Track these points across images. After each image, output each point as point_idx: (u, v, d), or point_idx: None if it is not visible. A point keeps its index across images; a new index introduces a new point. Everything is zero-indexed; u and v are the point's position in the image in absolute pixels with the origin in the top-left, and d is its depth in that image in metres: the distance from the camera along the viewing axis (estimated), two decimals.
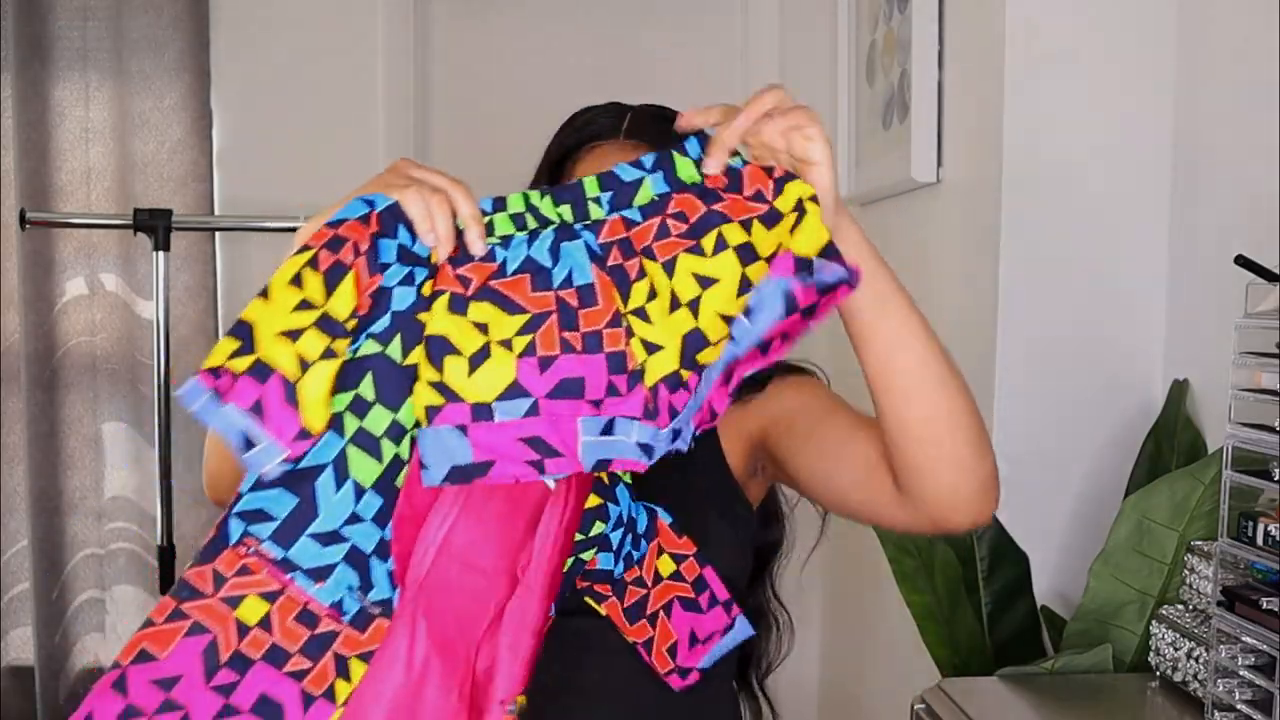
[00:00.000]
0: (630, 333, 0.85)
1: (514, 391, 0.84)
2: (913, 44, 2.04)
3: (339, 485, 0.84)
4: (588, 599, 1.07)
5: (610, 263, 0.88)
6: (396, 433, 0.85)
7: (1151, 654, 1.37)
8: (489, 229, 0.90)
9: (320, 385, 0.81)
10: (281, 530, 0.83)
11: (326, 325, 0.82)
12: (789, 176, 0.92)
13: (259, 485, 0.84)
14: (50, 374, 2.62)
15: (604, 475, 1.01)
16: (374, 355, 0.84)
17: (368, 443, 0.84)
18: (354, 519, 0.84)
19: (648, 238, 0.89)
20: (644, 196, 0.91)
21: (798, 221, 0.89)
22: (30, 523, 2.62)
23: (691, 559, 1.08)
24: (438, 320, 0.85)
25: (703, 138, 0.93)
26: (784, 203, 0.90)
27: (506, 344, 0.85)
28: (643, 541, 1.06)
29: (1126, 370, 1.77)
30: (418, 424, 0.84)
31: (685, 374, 0.85)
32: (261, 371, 0.80)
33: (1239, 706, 1.16)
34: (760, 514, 1.25)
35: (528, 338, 0.85)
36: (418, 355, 0.85)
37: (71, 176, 2.62)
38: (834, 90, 2.53)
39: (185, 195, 2.62)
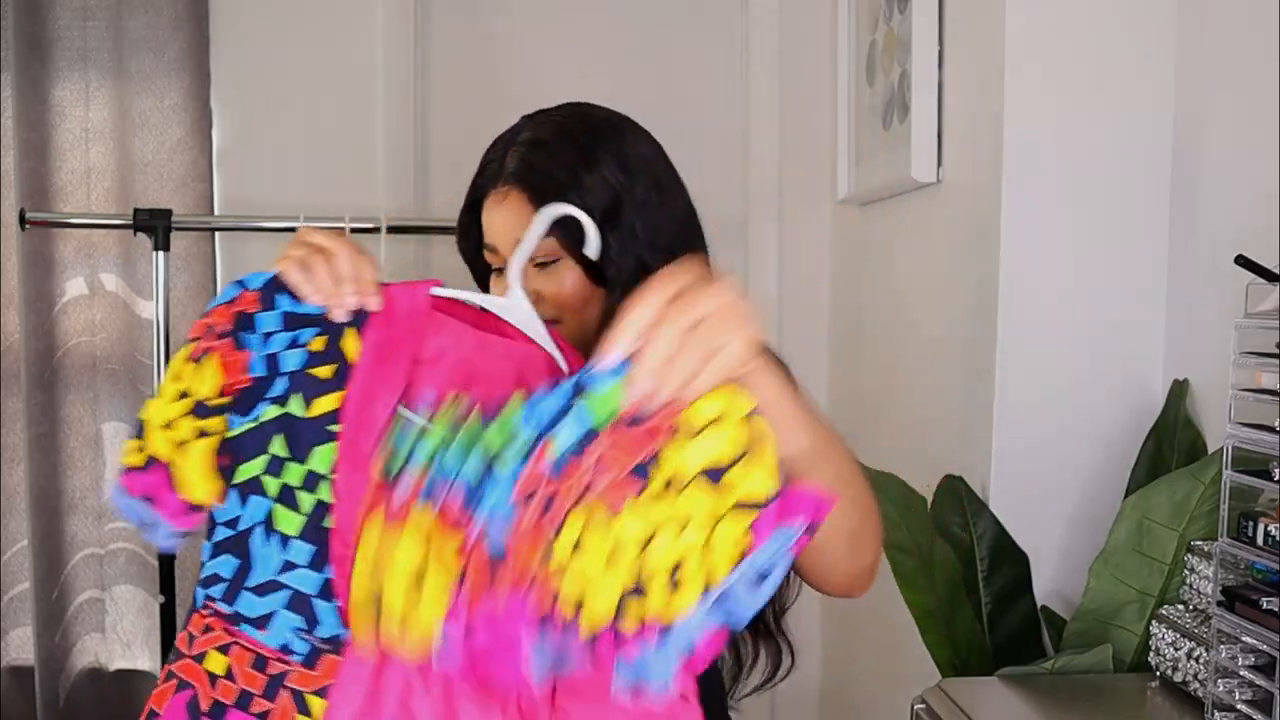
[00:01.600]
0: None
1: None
2: (913, 44, 2.04)
3: (268, 539, 0.94)
4: None
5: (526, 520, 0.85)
6: (312, 482, 0.93)
7: (1151, 654, 1.37)
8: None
9: (195, 464, 0.94)
10: (229, 589, 0.95)
11: (198, 410, 0.94)
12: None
13: (213, 554, 0.95)
14: (50, 374, 2.62)
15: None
16: (277, 417, 0.93)
17: (287, 496, 0.93)
18: (288, 567, 0.93)
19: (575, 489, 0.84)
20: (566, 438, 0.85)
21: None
22: (30, 523, 2.62)
23: None
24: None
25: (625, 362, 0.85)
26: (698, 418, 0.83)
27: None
28: None
29: (1126, 370, 1.77)
30: (334, 469, 0.91)
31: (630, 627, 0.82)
32: (147, 464, 0.95)
33: (1239, 706, 1.16)
34: None
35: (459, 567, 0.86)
36: (325, 404, 0.93)
37: (71, 176, 2.62)
38: (834, 90, 2.53)
39: (185, 195, 2.62)
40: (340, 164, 2.71)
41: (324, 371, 0.95)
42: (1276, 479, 1.13)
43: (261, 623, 0.94)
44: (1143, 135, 1.75)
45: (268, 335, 0.95)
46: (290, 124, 2.71)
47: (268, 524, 0.94)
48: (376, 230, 2.33)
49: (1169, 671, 1.33)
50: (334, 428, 0.93)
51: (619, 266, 1.14)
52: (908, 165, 2.05)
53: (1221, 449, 1.23)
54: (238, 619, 0.94)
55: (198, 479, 0.94)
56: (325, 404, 0.94)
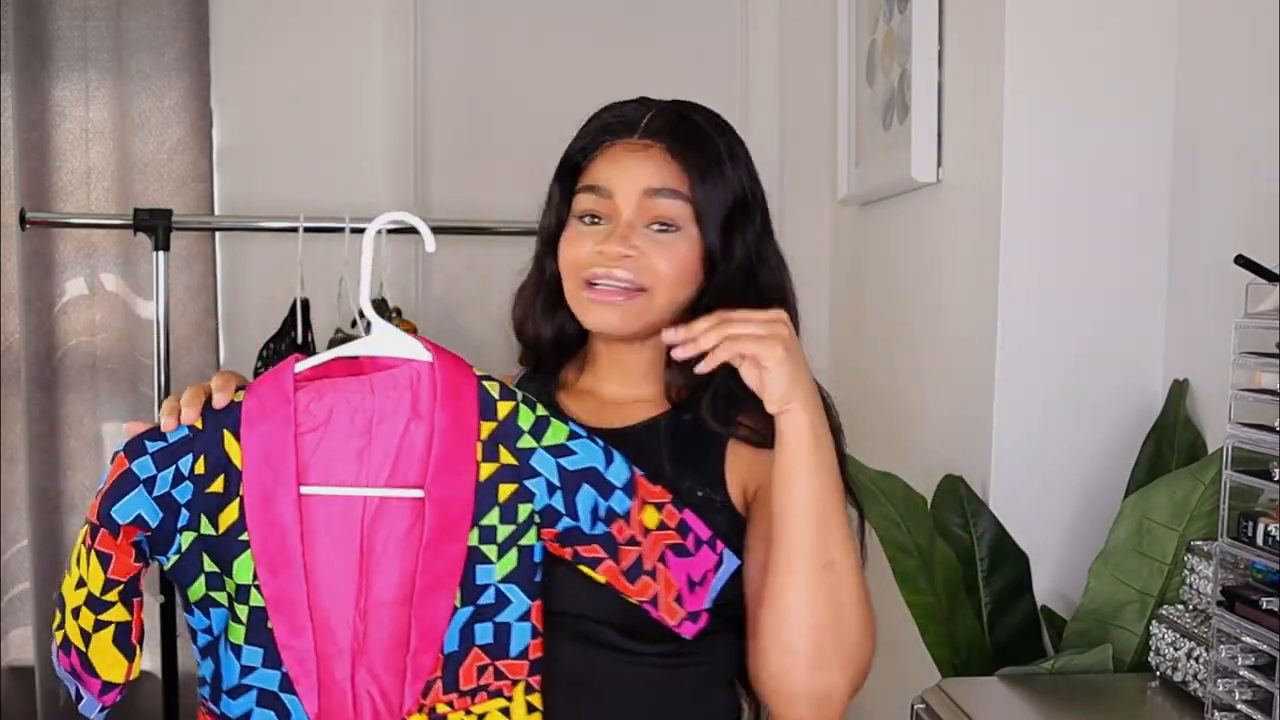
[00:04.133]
0: None
1: None
2: (913, 44, 2.04)
3: (227, 648, 1.02)
4: (582, 568, 1.06)
5: None
6: (242, 593, 1.01)
7: (1151, 654, 1.37)
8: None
9: (100, 651, 1.02)
10: (211, 690, 1.04)
11: (90, 603, 1.01)
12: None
13: (200, 657, 1.05)
14: (50, 374, 2.62)
15: (511, 456, 1.05)
16: (193, 541, 1.02)
17: (230, 608, 1.02)
18: (247, 670, 1.02)
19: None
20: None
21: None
22: (30, 523, 2.61)
23: (669, 505, 1.08)
24: None
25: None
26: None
27: None
28: (623, 496, 1.06)
29: (1126, 370, 1.77)
30: (255, 575, 1.00)
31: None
32: (67, 645, 1.03)
33: (1239, 706, 1.16)
34: None
35: None
36: (227, 517, 1.01)
37: (71, 176, 2.62)
38: (834, 90, 2.53)
39: (185, 195, 2.62)
40: (340, 164, 2.70)
41: (217, 486, 1.02)
42: (1276, 479, 1.13)
43: (244, 719, 1.02)
44: (1143, 135, 1.75)
45: (150, 481, 1.01)
46: (290, 124, 2.70)
47: (224, 636, 1.02)
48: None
49: (1169, 671, 1.33)
50: (244, 536, 1.01)
51: (735, 260, 1.16)
52: (908, 165, 2.05)
53: (1221, 449, 1.23)
54: (225, 718, 1.03)
55: (106, 664, 1.02)
56: (228, 517, 1.01)
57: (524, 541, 1.05)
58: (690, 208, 1.14)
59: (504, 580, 1.04)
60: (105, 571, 1.01)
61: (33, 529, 2.61)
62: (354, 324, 2.25)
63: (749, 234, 1.18)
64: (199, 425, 1.02)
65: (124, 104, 2.62)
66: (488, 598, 1.03)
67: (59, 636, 1.04)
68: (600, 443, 1.08)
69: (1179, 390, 1.68)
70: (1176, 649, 1.32)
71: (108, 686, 1.03)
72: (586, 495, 1.05)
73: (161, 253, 2.29)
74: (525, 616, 1.05)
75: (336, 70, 2.71)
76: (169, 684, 2.33)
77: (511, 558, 1.04)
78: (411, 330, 1.40)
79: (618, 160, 1.15)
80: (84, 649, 1.02)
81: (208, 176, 2.64)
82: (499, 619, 1.04)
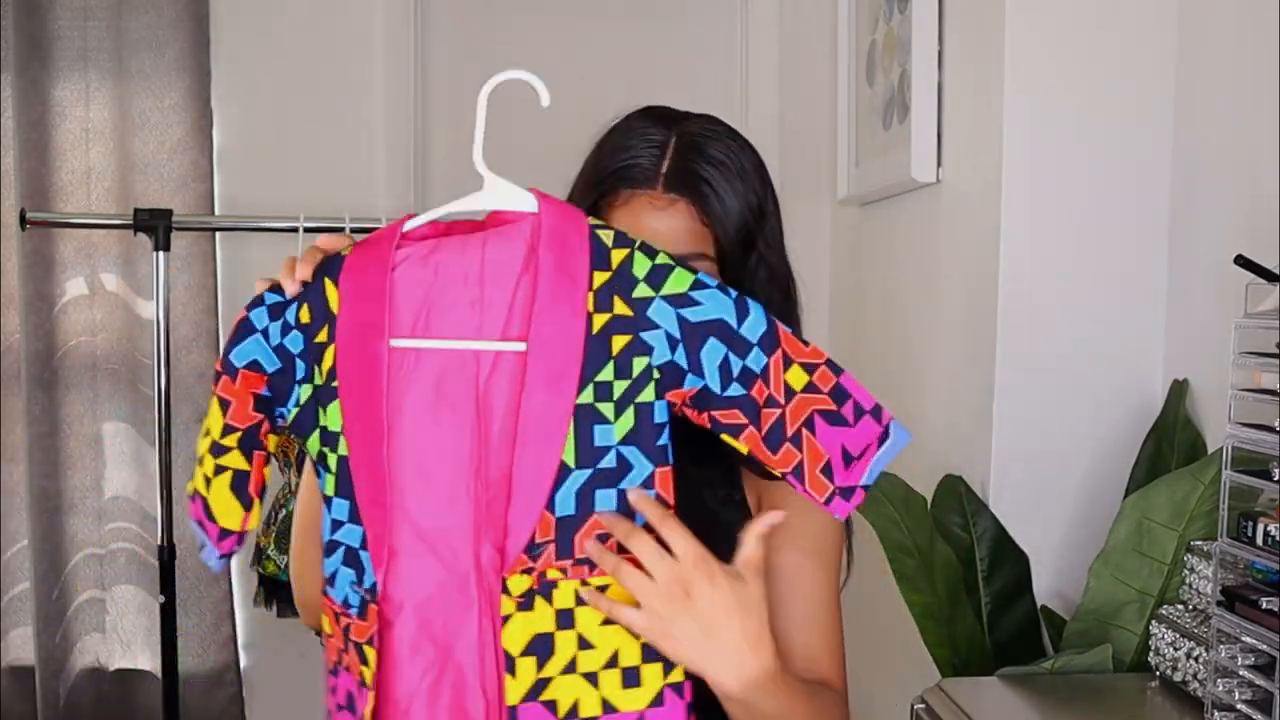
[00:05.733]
0: None
1: None
2: (913, 44, 2.04)
3: (325, 504, 1.01)
4: (725, 436, 0.98)
5: None
6: (331, 439, 0.99)
7: (1151, 654, 1.37)
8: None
9: (219, 497, 1.04)
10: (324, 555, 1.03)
11: (214, 449, 1.03)
12: None
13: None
14: (50, 374, 2.62)
15: (625, 306, 0.96)
16: (312, 393, 1.01)
17: (325, 461, 1.00)
18: (336, 525, 0.99)
19: None
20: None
21: None
22: (30, 523, 2.62)
23: (824, 366, 0.98)
24: None
25: None
26: None
27: None
28: (759, 353, 0.96)
29: (1126, 370, 1.77)
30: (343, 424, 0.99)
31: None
32: (194, 494, 1.06)
33: (1239, 706, 1.16)
34: None
35: None
36: (327, 362, 1.00)
37: (71, 176, 2.62)
38: (834, 90, 2.53)
39: (185, 195, 2.62)
40: (340, 164, 2.71)
41: (322, 335, 1.00)
42: (1276, 479, 1.13)
43: (332, 580, 1.01)
44: (1143, 135, 1.75)
45: (265, 331, 1.01)
46: (290, 124, 2.71)
47: (324, 492, 1.01)
48: (376, 230, 2.33)
49: (1169, 671, 1.33)
50: (335, 384, 0.99)
51: (751, 286, 1.13)
52: (908, 165, 2.05)
53: (1221, 449, 1.23)
54: (326, 581, 1.02)
55: (222, 510, 1.04)
56: (327, 362, 1.00)
57: (641, 399, 0.95)
58: (714, 264, 1.12)
59: (623, 442, 0.95)
60: (224, 416, 1.02)
61: (33, 529, 2.61)
62: None
63: (764, 259, 1.16)
64: (309, 279, 1.02)
65: (124, 104, 2.62)
66: (608, 461, 0.95)
67: (189, 488, 1.07)
68: (732, 293, 0.97)
69: (1179, 390, 1.68)
70: (1176, 649, 1.32)
71: (225, 534, 1.05)
72: (714, 350, 0.95)
73: (161, 253, 2.29)
74: (648, 483, 0.96)
75: (336, 70, 2.71)
76: (169, 684, 2.33)
77: (629, 416, 0.95)
78: None
79: (640, 216, 1.11)
80: (205, 494, 1.04)
81: (208, 176, 2.64)
82: (622, 485, 0.95)
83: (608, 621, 0.96)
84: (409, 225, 1.02)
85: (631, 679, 0.96)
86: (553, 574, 0.95)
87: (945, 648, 1.61)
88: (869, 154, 2.35)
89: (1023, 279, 1.77)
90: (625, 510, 0.96)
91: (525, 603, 0.95)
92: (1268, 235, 1.45)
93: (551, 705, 0.95)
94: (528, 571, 0.95)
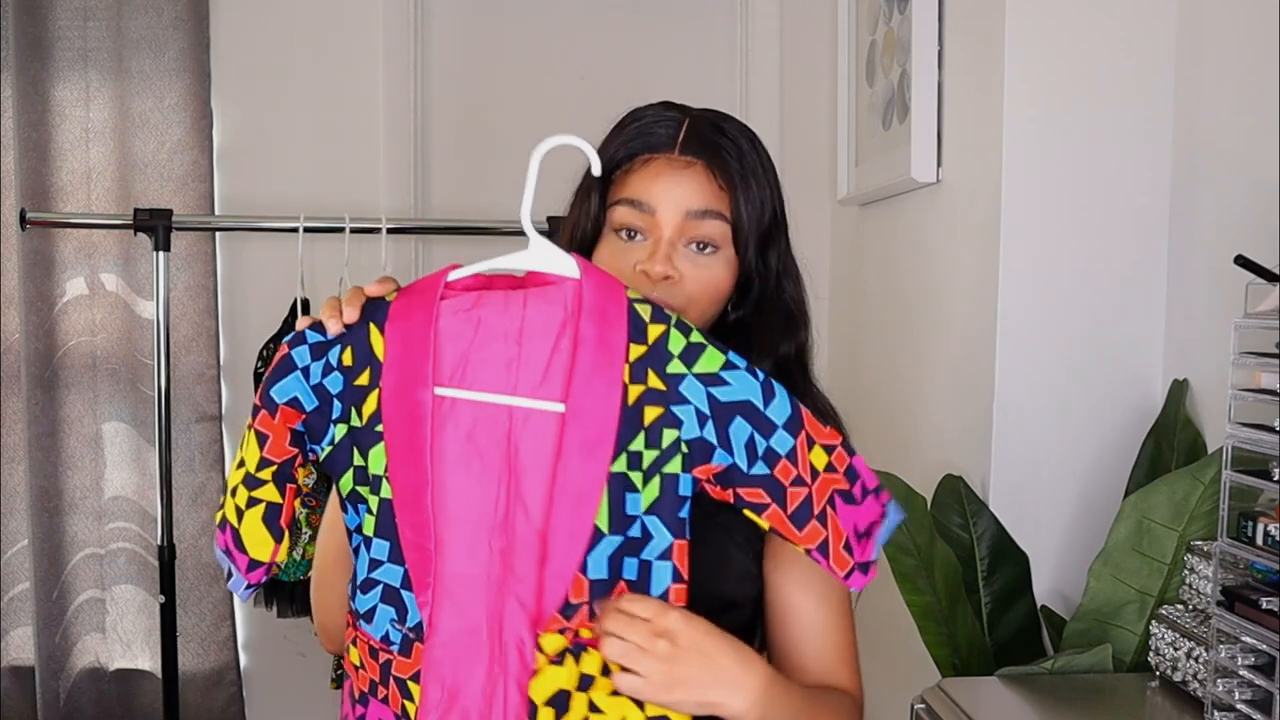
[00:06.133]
0: None
1: None
2: (913, 44, 2.04)
3: (358, 542, 1.03)
4: (746, 512, 1.02)
5: None
6: (375, 483, 1.01)
7: (1151, 654, 1.37)
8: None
9: (251, 528, 1.05)
10: (352, 588, 1.05)
11: (247, 481, 1.05)
12: None
13: (355, 556, 1.05)
14: (50, 374, 2.62)
15: (659, 380, 1.00)
16: (347, 433, 1.03)
17: (366, 500, 1.02)
18: (375, 564, 1.02)
19: None
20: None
21: None
22: (30, 523, 2.62)
23: (840, 448, 1.02)
24: None
25: None
26: None
27: None
28: (785, 435, 1.00)
29: (1126, 370, 1.77)
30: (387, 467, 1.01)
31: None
32: (224, 523, 1.06)
33: (1239, 706, 1.16)
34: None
35: None
36: (369, 406, 1.02)
37: (71, 176, 2.62)
38: (834, 90, 2.53)
39: (185, 195, 2.62)
40: (340, 164, 2.71)
41: (363, 379, 1.03)
42: (1276, 479, 1.13)
43: (369, 616, 1.03)
44: (1143, 135, 1.75)
45: (306, 370, 1.04)
46: (290, 124, 2.71)
47: (360, 531, 1.03)
48: (376, 230, 2.33)
49: (1169, 671, 1.33)
50: (379, 427, 1.01)
51: (763, 281, 1.17)
52: (908, 165, 2.06)
53: (1221, 449, 1.23)
54: (357, 615, 1.04)
55: (254, 541, 1.05)
56: (369, 406, 1.02)
57: (668, 469, 1.00)
58: (729, 228, 1.15)
59: (648, 511, 0.99)
60: (261, 450, 1.04)
61: (33, 529, 2.61)
62: None
63: (779, 249, 1.20)
64: (354, 322, 1.04)
65: (124, 104, 2.62)
66: (635, 530, 0.99)
67: (218, 517, 1.08)
68: (760, 375, 1.01)
69: (1179, 390, 1.68)
70: (1176, 649, 1.32)
71: (254, 564, 1.06)
72: (740, 429, 0.99)
73: (161, 253, 2.29)
74: (666, 555, 1.00)
75: (336, 70, 2.71)
76: (169, 684, 2.33)
77: (655, 485, 0.99)
78: None
79: (659, 176, 1.14)
80: (237, 525, 1.06)
81: (208, 176, 2.64)
82: (643, 555, 1.00)
83: (616, 692, 1.00)
84: (453, 275, 1.04)
85: None
86: (585, 634, 0.99)
87: (945, 648, 1.61)
88: (869, 154, 2.35)
89: (1022, 279, 1.77)
90: (645, 579, 1.00)
91: (558, 659, 0.99)
92: (1268, 235, 1.45)
93: None
94: (562, 631, 0.99)
